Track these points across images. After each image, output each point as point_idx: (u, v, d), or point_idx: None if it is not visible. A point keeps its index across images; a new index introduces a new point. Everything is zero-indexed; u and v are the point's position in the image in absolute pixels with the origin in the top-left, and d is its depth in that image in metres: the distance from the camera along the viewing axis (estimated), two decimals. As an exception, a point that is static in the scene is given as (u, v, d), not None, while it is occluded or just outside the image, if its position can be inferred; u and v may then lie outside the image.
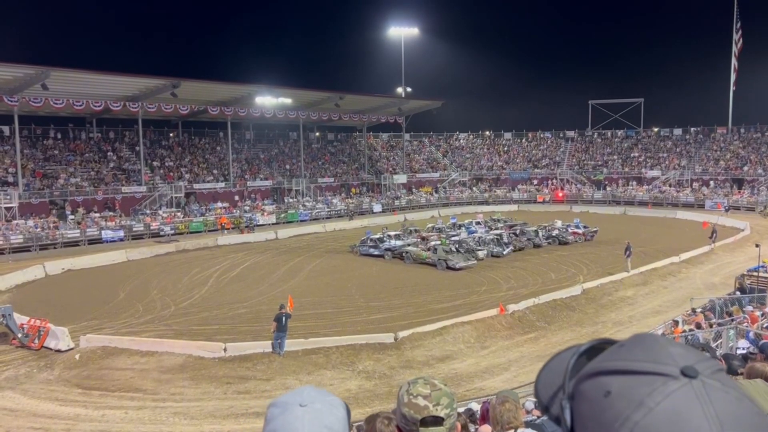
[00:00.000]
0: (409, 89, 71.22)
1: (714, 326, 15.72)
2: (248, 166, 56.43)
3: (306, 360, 17.76)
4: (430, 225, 41.75)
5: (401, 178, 62.92)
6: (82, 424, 14.06)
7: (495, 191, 66.57)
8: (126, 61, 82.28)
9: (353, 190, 60.28)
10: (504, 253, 33.34)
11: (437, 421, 1.70)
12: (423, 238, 35.92)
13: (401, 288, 26.67)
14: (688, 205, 55.86)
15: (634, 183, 63.43)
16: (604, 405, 0.69)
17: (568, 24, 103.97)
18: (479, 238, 34.83)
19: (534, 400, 10.63)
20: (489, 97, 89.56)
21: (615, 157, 68.67)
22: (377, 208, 56.78)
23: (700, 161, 63.49)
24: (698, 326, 15.55)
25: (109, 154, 49.86)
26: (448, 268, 29.95)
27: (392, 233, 36.49)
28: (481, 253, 32.12)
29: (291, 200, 53.80)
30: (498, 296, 24.49)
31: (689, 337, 14.24)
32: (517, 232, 37.33)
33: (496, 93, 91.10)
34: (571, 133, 74.45)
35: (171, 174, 50.06)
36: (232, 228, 45.22)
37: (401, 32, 70.90)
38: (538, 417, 6.65)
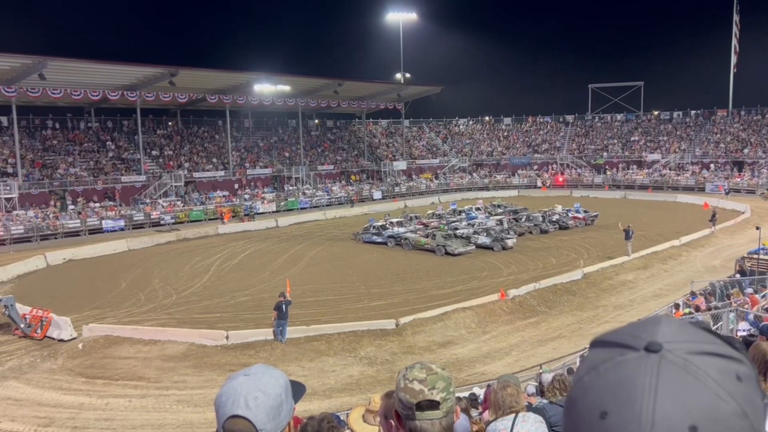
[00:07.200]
0: (408, 75, 70.98)
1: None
2: (247, 155, 56.28)
3: (308, 347, 17.84)
4: (430, 211, 41.71)
5: (401, 165, 62.77)
6: (86, 413, 14.16)
7: (495, 177, 66.46)
8: (123, 49, 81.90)
9: (353, 177, 60.17)
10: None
11: (433, 404, 1.69)
12: (424, 225, 35.88)
13: (402, 274, 26.71)
14: (688, 189, 55.71)
15: (635, 167, 63.23)
16: (576, 371, 0.75)
17: (567, 7, 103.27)
18: (483, 227, 34.16)
19: (535, 384, 10.72)
20: (488, 82, 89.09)
21: (615, 141, 68.39)
22: (377, 195, 56.72)
23: (700, 144, 63.25)
24: (697, 309, 15.57)
25: (107, 143, 49.72)
26: (447, 253, 29.99)
27: (394, 220, 36.48)
28: (510, 242, 31.62)
29: (291, 188, 53.72)
30: (499, 281, 24.55)
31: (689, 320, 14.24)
32: (523, 218, 37.14)
33: (495, 78, 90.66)
34: (570, 118, 74.07)
35: (170, 163, 49.97)
36: (233, 217, 45.20)
37: (400, 17, 70.37)
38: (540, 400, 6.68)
